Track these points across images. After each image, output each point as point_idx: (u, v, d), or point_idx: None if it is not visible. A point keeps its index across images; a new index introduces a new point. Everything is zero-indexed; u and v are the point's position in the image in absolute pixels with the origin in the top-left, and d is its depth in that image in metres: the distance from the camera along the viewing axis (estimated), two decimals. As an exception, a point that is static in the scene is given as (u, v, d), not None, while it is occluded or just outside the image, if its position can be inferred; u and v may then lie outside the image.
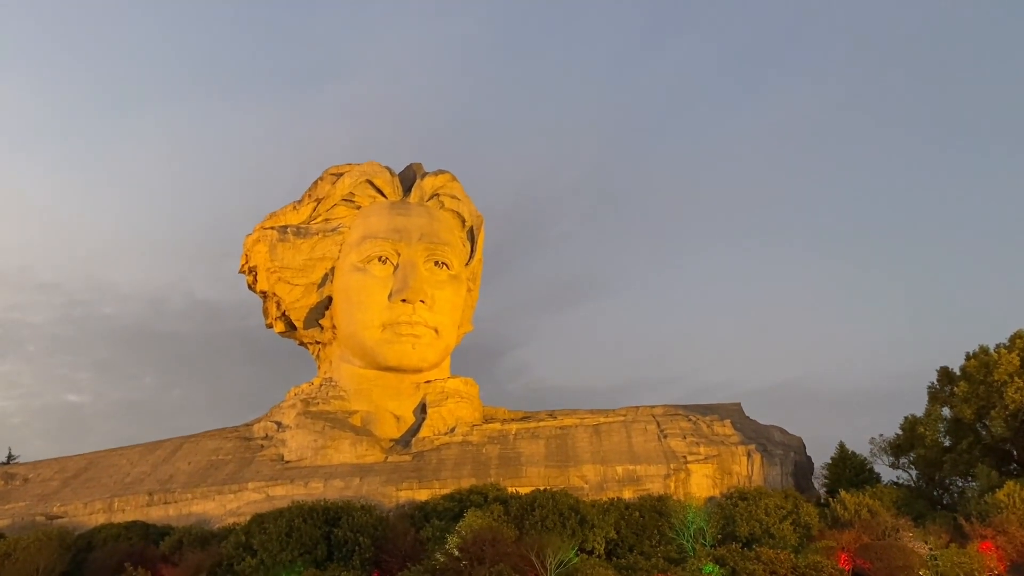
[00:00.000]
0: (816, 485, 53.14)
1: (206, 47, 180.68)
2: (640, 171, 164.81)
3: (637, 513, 41.80)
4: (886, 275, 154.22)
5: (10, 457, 72.15)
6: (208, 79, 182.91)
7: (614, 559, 38.94)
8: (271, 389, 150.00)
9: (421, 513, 42.25)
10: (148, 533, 43.41)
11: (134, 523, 44.61)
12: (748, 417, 57.68)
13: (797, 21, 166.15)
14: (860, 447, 51.85)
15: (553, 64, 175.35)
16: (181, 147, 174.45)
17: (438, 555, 37.16)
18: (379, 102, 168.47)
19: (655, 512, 41.88)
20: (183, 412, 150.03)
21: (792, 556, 37.36)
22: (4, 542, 40.23)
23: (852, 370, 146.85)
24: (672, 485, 48.39)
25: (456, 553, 36.20)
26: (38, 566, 37.82)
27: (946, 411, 47.53)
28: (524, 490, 44.51)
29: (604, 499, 44.65)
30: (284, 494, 47.82)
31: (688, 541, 40.29)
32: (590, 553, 38.96)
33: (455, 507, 41.63)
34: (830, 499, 45.17)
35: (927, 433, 45.96)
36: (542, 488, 44.03)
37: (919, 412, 48.08)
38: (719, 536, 40.87)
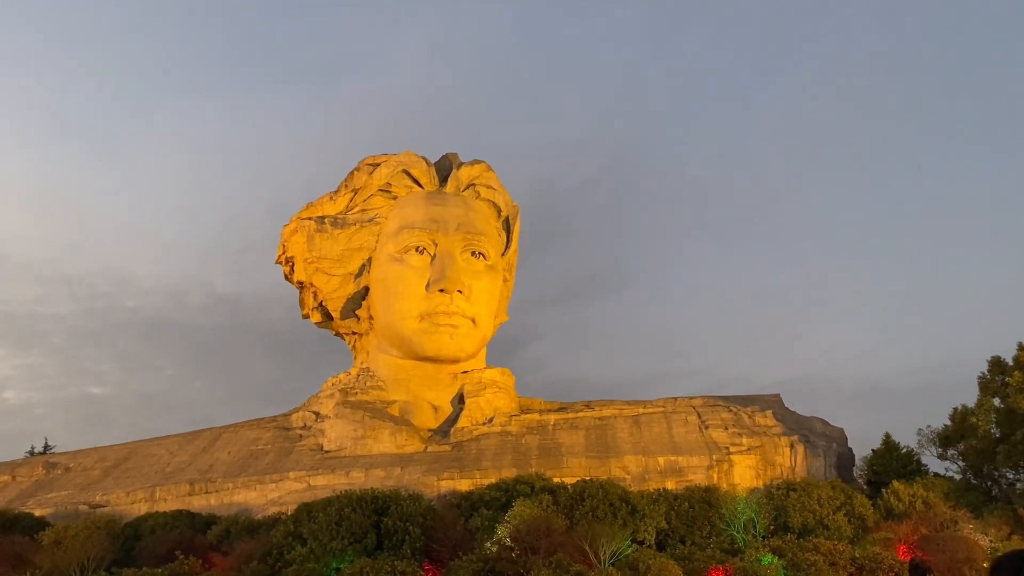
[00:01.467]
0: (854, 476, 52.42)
1: (225, 43, 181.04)
2: (657, 165, 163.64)
3: (686, 504, 41.30)
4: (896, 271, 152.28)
5: (47, 447, 72.52)
6: (228, 74, 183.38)
7: (666, 550, 38.46)
8: (291, 381, 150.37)
9: (467, 503, 41.87)
10: (194, 522, 43.31)
11: (180, 512, 44.47)
12: (788, 408, 57.09)
13: (812, 16, 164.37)
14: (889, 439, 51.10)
15: (568, 59, 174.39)
16: (201, 142, 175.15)
17: (488, 544, 36.80)
18: (396, 98, 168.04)
19: (704, 503, 41.37)
20: (204, 404, 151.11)
21: (850, 548, 36.73)
22: (53, 530, 40.14)
23: (859, 367, 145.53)
24: (715, 476, 47.95)
25: (508, 543, 35.84)
26: (88, 554, 37.63)
27: (997, 401, 46.59)
28: (567, 480, 44.11)
29: (649, 490, 44.17)
30: (325, 483, 47.63)
31: (739, 532, 39.78)
32: (641, 543, 38.50)
33: (502, 497, 41.23)
34: (883, 491, 44.41)
35: (979, 424, 45.04)
36: (584, 479, 43.59)
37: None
38: (771, 527, 40.31)
